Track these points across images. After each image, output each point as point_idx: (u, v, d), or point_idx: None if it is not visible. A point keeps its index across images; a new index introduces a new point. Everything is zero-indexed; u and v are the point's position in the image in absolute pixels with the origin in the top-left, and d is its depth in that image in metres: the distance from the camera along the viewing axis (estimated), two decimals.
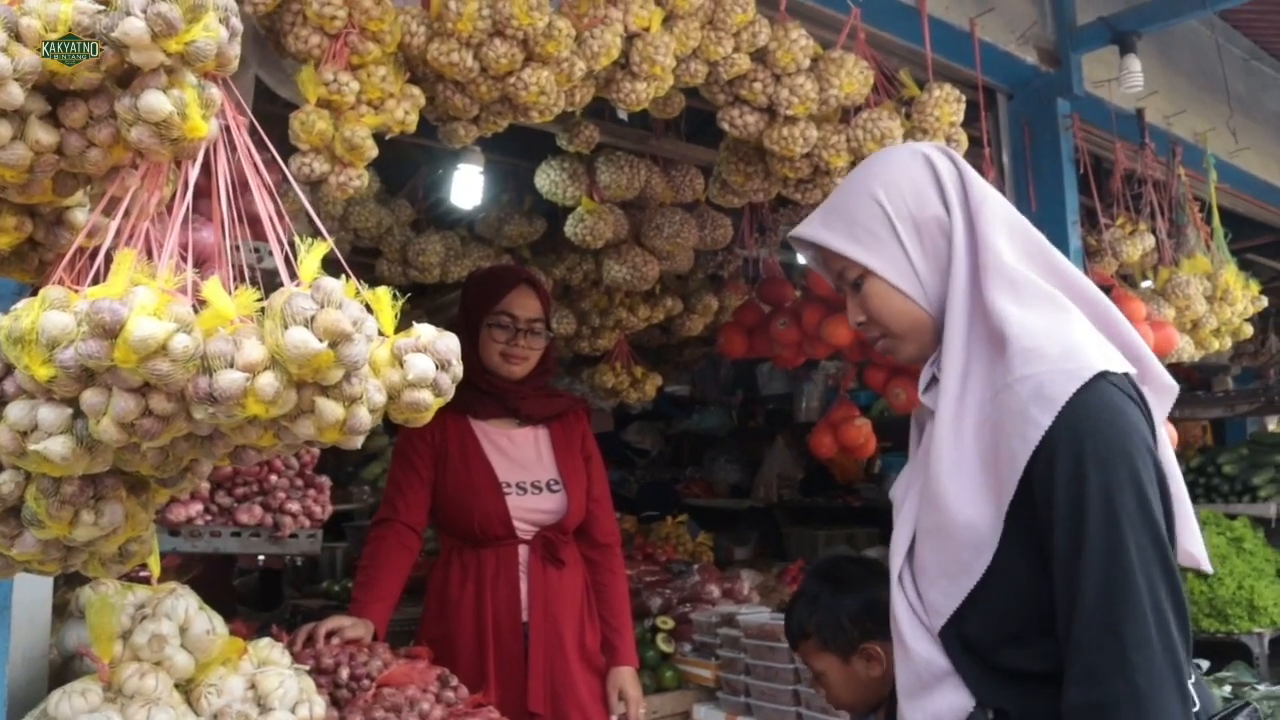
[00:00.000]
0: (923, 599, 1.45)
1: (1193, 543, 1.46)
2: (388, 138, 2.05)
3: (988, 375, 1.39)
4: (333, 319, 0.97)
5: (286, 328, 0.97)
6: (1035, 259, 1.46)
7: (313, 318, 0.97)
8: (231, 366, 0.96)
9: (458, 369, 1.11)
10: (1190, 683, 1.27)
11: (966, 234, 1.46)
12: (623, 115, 3.39)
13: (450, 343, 1.11)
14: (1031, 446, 1.30)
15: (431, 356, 1.08)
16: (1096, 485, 1.27)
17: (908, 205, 1.49)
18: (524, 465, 2.81)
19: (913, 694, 1.42)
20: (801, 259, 2.51)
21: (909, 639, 1.43)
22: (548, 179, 3.71)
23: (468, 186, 4.11)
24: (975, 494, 1.36)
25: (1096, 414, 1.29)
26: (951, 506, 1.38)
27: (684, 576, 4.13)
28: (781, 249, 4.84)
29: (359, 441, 1.06)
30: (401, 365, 1.08)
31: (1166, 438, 1.46)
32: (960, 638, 1.40)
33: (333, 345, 0.98)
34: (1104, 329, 1.43)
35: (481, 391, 2.82)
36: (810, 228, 1.59)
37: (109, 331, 0.93)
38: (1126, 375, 1.36)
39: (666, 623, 3.66)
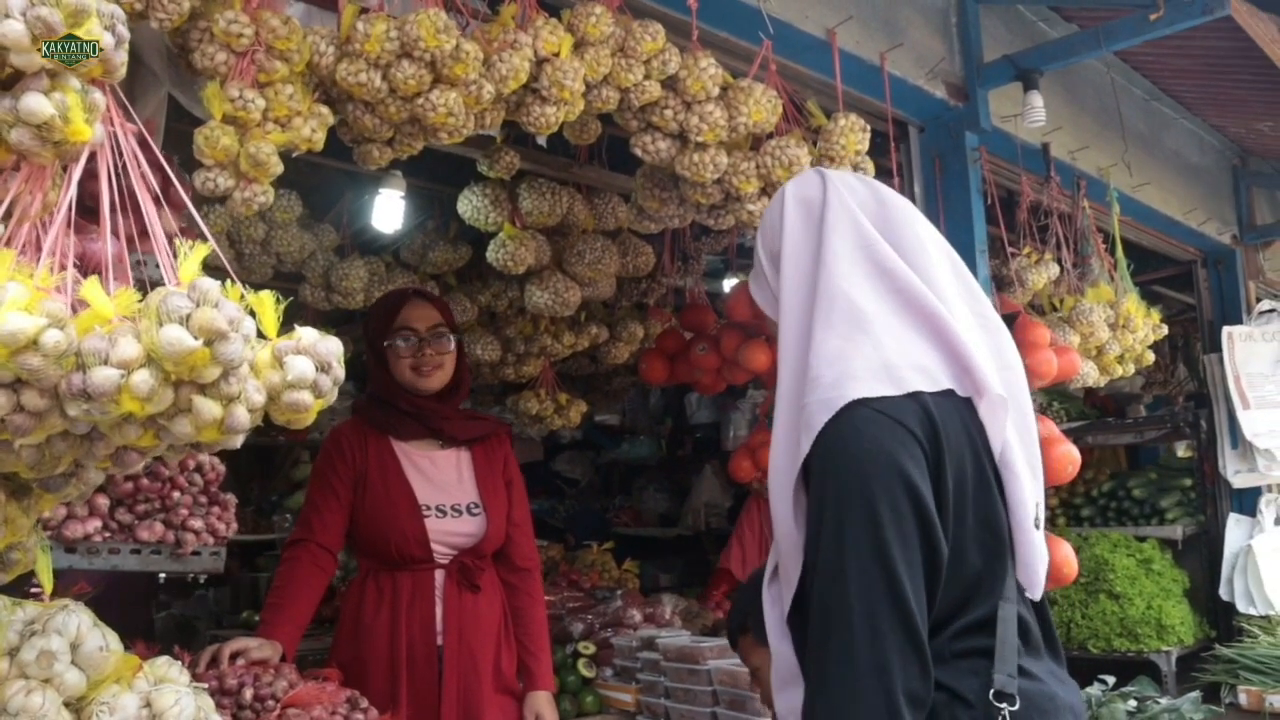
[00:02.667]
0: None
1: (1023, 570, 1.47)
2: (294, 155, 2.07)
3: (799, 397, 1.47)
4: (208, 317, 0.99)
5: (161, 325, 0.98)
6: (875, 276, 1.50)
7: (188, 316, 0.99)
8: (106, 363, 0.97)
9: (338, 371, 1.13)
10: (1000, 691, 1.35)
11: (807, 258, 1.56)
12: (542, 141, 3.44)
13: (331, 345, 1.14)
14: (796, 470, 1.41)
15: (312, 358, 1.10)
16: (831, 512, 1.34)
17: (767, 241, 1.65)
18: (444, 487, 2.81)
19: (777, 688, 1.51)
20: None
21: (771, 637, 1.53)
22: (470, 205, 3.74)
23: (389, 211, 4.12)
24: (790, 508, 1.45)
25: (841, 443, 1.36)
26: (778, 519, 1.47)
27: (607, 602, 4.13)
28: (706, 277, 4.92)
29: (238, 441, 1.07)
30: (282, 366, 1.10)
31: (1012, 445, 1.48)
32: (798, 639, 1.48)
33: (208, 343, 0.99)
34: (938, 342, 1.47)
35: (403, 413, 2.82)
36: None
37: None
38: (915, 395, 1.40)
39: (588, 648, 3.66)
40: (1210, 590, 5.28)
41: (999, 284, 4.05)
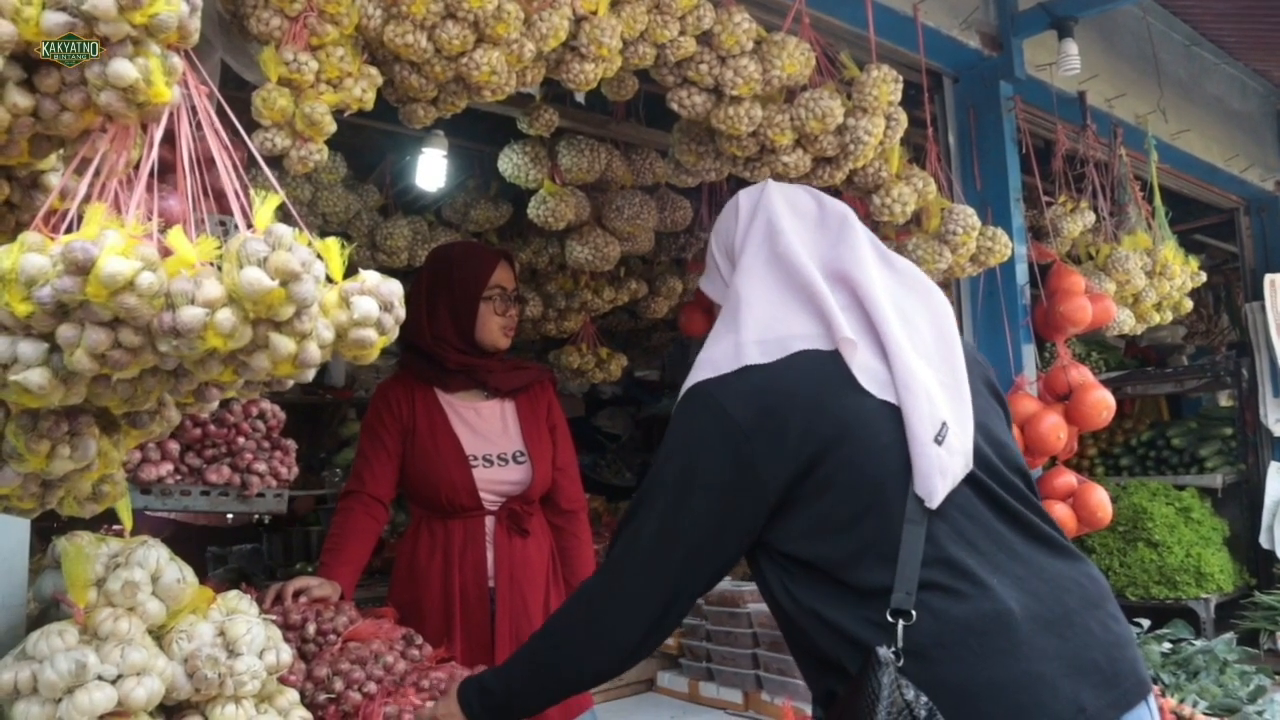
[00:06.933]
0: None
1: (920, 481, 1.50)
2: (346, 115, 2.15)
3: None
4: (284, 260, 1.08)
5: (242, 268, 1.08)
6: (770, 265, 1.69)
7: (265, 259, 1.09)
8: (193, 303, 1.07)
9: (400, 311, 1.23)
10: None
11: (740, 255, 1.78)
12: (580, 99, 3.50)
13: (393, 287, 1.23)
14: None
15: (375, 299, 1.20)
16: (651, 477, 1.62)
17: (721, 240, 1.83)
18: (490, 438, 2.88)
19: None
20: None
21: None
22: (510, 162, 3.82)
23: (432, 170, 4.21)
24: None
25: (675, 424, 1.62)
26: None
27: None
28: None
29: (310, 375, 1.17)
30: (348, 306, 1.19)
31: (914, 371, 1.55)
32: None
33: (284, 284, 1.09)
34: (810, 309, 1.62)
35: (450, 369, 2.91)
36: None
37: (82, 269, 1.04)
38: (749, 369, 1.56)
39: None
40: (1250, 539, 5.30)
41: (1035, 233, 4.07)
